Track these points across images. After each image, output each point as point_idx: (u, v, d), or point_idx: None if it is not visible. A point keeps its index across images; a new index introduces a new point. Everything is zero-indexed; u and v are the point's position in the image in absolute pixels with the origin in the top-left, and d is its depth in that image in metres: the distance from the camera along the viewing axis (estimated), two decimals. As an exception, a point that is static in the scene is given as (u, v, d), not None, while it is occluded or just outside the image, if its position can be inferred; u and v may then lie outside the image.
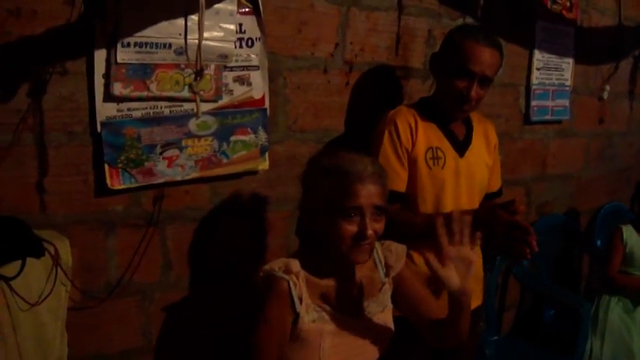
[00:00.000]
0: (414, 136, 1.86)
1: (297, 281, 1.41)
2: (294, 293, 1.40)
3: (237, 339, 1.91)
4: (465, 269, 1.39)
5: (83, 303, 1.71)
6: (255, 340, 1.40)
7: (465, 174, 1.92)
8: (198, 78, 1.39)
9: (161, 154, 1.74)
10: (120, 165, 1.68)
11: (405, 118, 1.87)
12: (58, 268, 1.54)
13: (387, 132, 1.85)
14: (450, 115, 1.92)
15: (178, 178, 1.78)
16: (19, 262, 1.43)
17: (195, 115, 1.57)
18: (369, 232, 1.38)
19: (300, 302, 1.41)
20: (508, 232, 1.61)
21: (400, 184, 1.85)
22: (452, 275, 1.38)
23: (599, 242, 3.35)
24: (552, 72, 2.95)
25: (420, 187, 1.86)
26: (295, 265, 1.43)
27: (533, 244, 1.56)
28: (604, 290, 2.99)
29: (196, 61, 1.33)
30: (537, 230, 1.78)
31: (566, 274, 3.30)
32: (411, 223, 1.80)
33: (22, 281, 1.43)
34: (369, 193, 1.39)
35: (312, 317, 1.42)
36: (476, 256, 1.43)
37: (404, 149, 1.84)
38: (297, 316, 1.41)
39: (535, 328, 3.16)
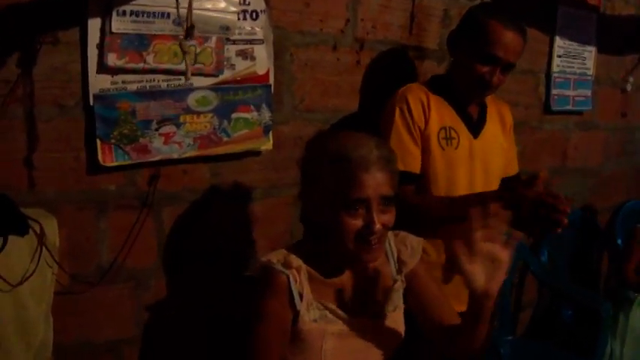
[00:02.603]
0: (427, 114, 1.78)
1: (298, 276, 1.29)
2: (294, 289, 1.28)
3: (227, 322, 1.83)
4: (494, 270, 1.22)
5: (72, 287, 1.61)
6: (253, 339, 1.29)
7: (480, 156, 1.84)
8: (189, 37, 1.29)
9: (157, 130, 1.65)
10: (113, 140, 1.59)
11: (416, 95, 1.79)
12: (44, 248, 1.45)
13: (398, 109, 1.77)
14: (466, 96, 1.85)
15: (175, 156, 1.69)
16: (0, 240, 1.35)
17: (185, 76, 1.47)
18: (377, 226, 1.25)
19: (301, 299, 1.29)
20: (535, 209, 1.50)
21: (414, 164, 1.76)
22: (478, 273, 1.22)
23: (619, 241, 3.23)
24: (573, 60, 2.84)
25: (432, 168, 1.78)
26: (296, 259, 1.31)
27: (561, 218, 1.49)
28: (624, 291, 2.88)
29: (187, 17, 1.23)
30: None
31: (584, 273, 3.20)
32: (429, 207, 1.72)
33: (3, 260, 1.35)
34: (375, 183, 1.25)
35: (314, 316, 1.30)
36: (509, 258, 1.24)
37: (417, 127, 1.76)
38: (297, 314, 1.29)
39: (552, 329, 3.05)
